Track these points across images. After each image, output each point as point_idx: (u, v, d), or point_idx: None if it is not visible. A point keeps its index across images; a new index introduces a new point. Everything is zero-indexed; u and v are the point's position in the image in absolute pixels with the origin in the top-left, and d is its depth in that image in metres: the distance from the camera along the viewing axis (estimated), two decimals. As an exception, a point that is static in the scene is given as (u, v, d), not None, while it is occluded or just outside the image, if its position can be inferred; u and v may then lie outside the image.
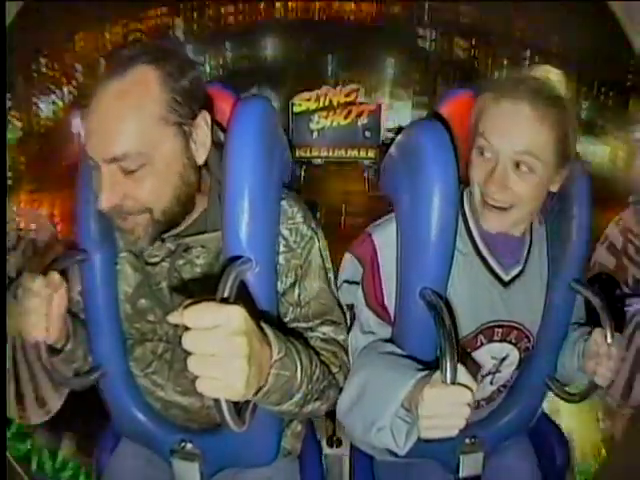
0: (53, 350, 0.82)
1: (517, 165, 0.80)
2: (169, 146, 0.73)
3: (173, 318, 0.49)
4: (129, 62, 0.71)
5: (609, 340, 0.81)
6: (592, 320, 0.98)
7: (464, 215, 0.89)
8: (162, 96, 0.71)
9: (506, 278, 0.89)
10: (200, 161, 0.78)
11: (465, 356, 0.88)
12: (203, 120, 0.77)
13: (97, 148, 0.71)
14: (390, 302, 0.87)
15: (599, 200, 0.92)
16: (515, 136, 0.79)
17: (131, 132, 0.70)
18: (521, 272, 0.90)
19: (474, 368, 0.89)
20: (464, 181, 0.90)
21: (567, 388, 0.94)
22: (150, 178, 0.72)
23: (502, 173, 0.80)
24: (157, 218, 0.75)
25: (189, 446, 0.89)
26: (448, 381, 0.61)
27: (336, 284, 0.91)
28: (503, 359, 0.93)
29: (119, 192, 0.72)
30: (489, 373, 0.94)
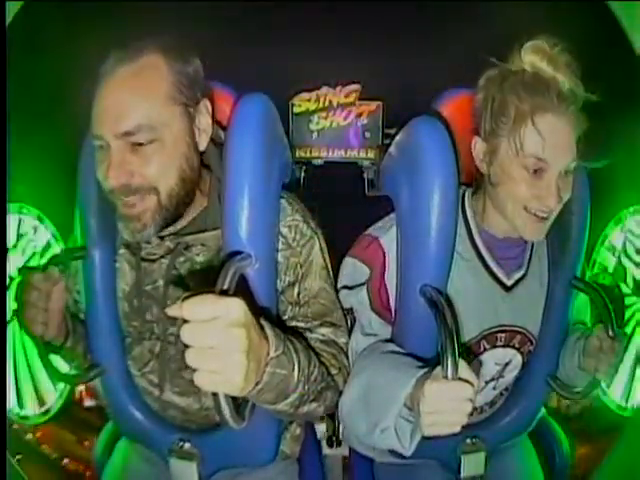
0: (52, 347, 0.82)
1: (566, 172, 0.80)
2: (176, 124, 0.76)
3: (172, 311, 0.49)
4: (138, 51, 0.75)
5: (610, 334, 0.81)
6: (593, 320, 0.98)
7: (465, 219, 0.88)
8: (170, 77, 0.75)
9: (508, 283, 0.89)
10: (202, 147, 0.80)
11: (470, 357, 0.88)
12: (205, 107, 0.79)
13: (109, 124, 0.73)
14: (394, 303, 0.87)
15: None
16: (567, 150, 0.78)
17: (143, 107, 0.73)
18: (523, 276, 0.90)
19: (476, 364, 0.89)
20: (464, 183, 0.90)
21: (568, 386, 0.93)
22: (158, 155, 0.74)
23: (558, 186, 0.79)
24: (164, 203, 0.76)
25: (187, 445, 0.89)
26: (449, 377, 0.61)
27: (336, 286, 0.91)
28: (506, 364, 0.93)
29: (127, 170, 0.73)
30: (492, 379, 0.93)
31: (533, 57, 0.79)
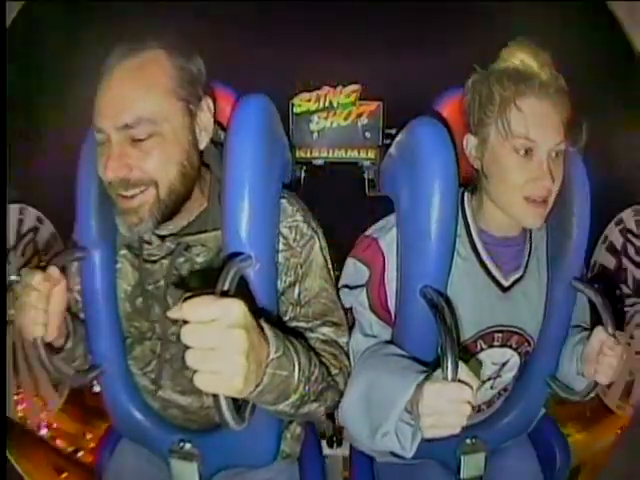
0: (53, 348, 0.82)
1: (556, 154, 0.82)
2: (177, 120, 0.75)
3: (173, 313, 0.49)
4: (143, 44, 0.75)
5: (610, 331, 0.81)
6: (593, 321, 0.98)
7: (465, 218, 0.88)
8: (173, 72, 0.75)
9: (505, 283, 0.89)
10: (202, 145, 0.80)
11: (468, 356, 0.88)
12: (206, 105, 0.79)
13: (109, 116, 0.73)
14: (393, 305, 0.87)
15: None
16: (553, 129, 0.80)
17: (144, 100, 0.73)
18: (521, 277, 0.90)
19: (476, 367, 0.89)
20: (464, 184, 0.90)
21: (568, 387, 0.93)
22: (158, 149, 0.74)
23: (549, 167, 0.81)
24: (162, 197, 0.76)
25: (188, 446, 0.89)
26: (449, 379, 0.61)
27: (337, 285, 0.91)
28: (504, 364, 0.93)
29: (126, 163, 0.73)
30: (489, 378, 0.93)
31: (523, 55, 0.82)
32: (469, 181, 0.91)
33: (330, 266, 0.88)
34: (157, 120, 0.73)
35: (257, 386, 0.58)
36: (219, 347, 0.49)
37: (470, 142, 0.87)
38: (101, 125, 0.74)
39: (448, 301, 0.80)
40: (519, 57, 0.83)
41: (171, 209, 0.78)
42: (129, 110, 0.72)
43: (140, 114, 0.72)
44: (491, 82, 0.84)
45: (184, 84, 0.76)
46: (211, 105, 0.80)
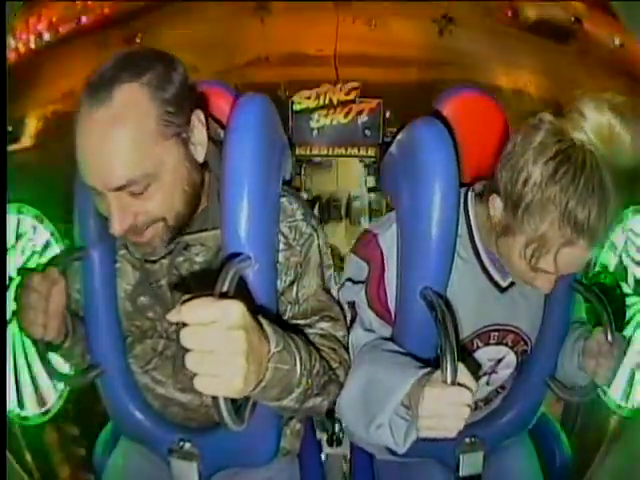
0: (51, 347, 0.82)
1: None
2: (172, 159, 0.71)
3: (171, 316, 0.49)
4: (111, 83, 0.67)
5: (609, 339, 0.81)
6: (592, 320, 0.98)
7: (467, 219, 0.87)
8: (155, 112, 0.68)
9: (504, 284, 0.88)
10: (200, 159, 0.77)
11: (465, 356, 0.88)
12: (197, 119, 0.75)
13: (100, 179, 0.68)
14: (393, 304, 0.87)
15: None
16: (577, 268, 0.79)
17: (133, 158, 0.67)
18: None
19: (474, 368, 0.89)
20: (467, 183, 0.90)
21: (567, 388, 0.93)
22: (159, 193, 0.71)
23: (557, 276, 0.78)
24: (171, 224, 0.75)
25: (187, 445, 0.89)
26: (448, 381, 0.61)
27: (335, 281, 0.91)
28: (499, 360, 0.93)
29: (130, 214, 0.71)
30: (485, 374, 0.94)
31: (608, 116, 0.69)
32: (473, 180, 0.91)
33: (329, 262, 0.87)
34: (151, 171, 0.69)
35: (260, 382, 0.58)
36: (218, 349, 0.49)
37: (496, 206, 0.78)
38: (91, 184, 0.69)
39: (448, 304, 0.80)
40: (606, 115, 0.69)
41: (179, 228, 0.77)
42: (120, 173, 0.67)
43: (132, 175, 0.67)
44: (550, 186, 0.70)
45: (170, 118, 0.70)
46: (202, 116, 0.75)
